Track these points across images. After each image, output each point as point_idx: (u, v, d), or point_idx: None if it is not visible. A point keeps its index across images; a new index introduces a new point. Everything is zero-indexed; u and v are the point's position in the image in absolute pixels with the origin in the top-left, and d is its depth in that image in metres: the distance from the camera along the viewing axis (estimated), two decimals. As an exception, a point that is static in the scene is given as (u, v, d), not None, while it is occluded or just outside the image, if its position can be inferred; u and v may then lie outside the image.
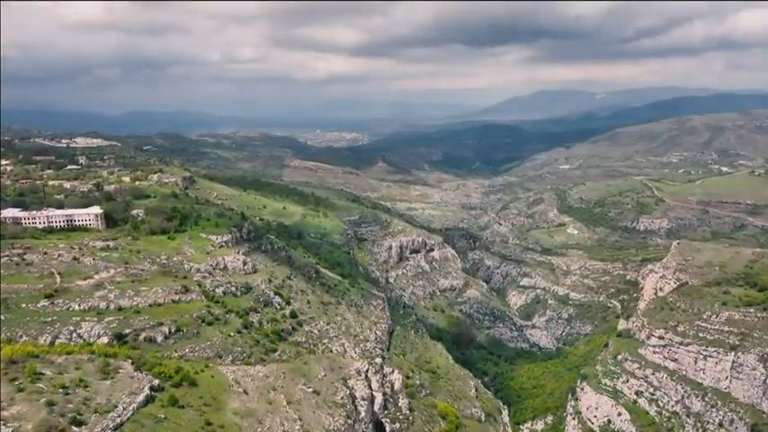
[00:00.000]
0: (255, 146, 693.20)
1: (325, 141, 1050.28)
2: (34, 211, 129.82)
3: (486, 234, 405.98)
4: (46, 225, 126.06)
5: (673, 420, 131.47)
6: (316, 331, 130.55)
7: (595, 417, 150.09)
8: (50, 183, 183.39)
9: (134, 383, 66.00)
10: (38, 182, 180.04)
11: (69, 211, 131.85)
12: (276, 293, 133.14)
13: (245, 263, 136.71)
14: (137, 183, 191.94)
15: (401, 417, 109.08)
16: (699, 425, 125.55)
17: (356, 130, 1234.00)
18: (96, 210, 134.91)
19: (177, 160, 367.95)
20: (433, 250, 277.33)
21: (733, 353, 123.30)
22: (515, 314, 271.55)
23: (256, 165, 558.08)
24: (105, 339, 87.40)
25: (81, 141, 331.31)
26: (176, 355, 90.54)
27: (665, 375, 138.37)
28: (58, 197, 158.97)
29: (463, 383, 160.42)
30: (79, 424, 54.37)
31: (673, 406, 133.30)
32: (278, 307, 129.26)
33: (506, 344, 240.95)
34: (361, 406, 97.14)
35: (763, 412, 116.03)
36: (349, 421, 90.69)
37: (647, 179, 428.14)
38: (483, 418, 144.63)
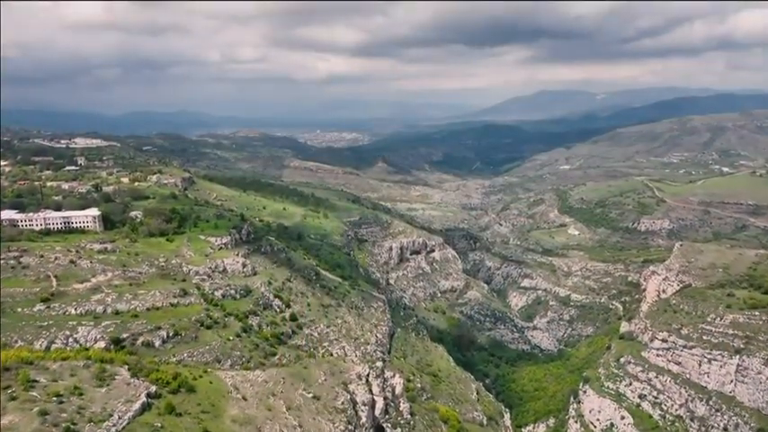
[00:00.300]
0: (255, 146, 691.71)
1: (326, 141, 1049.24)
2: (31, 213, 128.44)
3: (486, 235, 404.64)
4: (43, 227, 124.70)
5: (677, 424, 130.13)
6: (316, 334, 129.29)
7: (598, 420, 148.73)
8: (49, 184, 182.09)
9: (130, 390, 64.59)
10: (36, 183, 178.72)
11: (67, 213, 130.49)
12: (276, 296, 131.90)
13: (244, 265, 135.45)
14: (136, 184, 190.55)
15: (402, 421, 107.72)
16: (703, 429, 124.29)
17: (356, 131, 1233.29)
18: (94, 211, 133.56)
19: (177, 161, 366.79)
20: (433, 251, 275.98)
21: (738, 356, 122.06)
22: (516, 315, 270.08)
23: (256, 165, 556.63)
24: (102, 344, 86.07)
25: (80, 142, 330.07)
26: (174, 359, 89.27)
27: (669, 378, 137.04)
28: (57, 198, 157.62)
29: (464, 386, 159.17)
30: (73, 434, 52.98)
31: (676, 410, 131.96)
32: (278, 310, 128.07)
33: (507, 345, 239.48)
34: (362, 411, 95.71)
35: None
36: (350, 427, 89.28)
37: (648, 179, 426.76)
38: (485, 422, 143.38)
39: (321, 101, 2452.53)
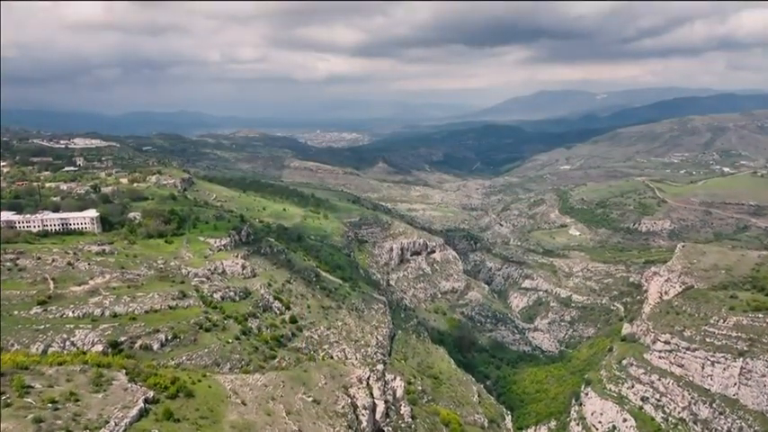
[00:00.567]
0: (255, 146, 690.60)
1: (326, 142, 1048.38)
2: (29, 215, 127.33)
3: (487, 235, 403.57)
4: (41, 228, 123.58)
5: (680, 427, 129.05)
6: (316, 337, 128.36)
7: (600, 422, 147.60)
8: (47, 185, 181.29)
9: (127, 396, 63.50)
10: (34, 184, 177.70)
11: (64, 215, 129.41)
12: (276, 298, 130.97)
13: (243, 267, 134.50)
14: (134, 185, 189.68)
15: (403, 425, 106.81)
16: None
17: (356, 131, 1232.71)
18: (92, 213, 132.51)
19: (176, 161, 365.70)
20: (434, 252, 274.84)
21: (741, 359, 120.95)
22: (517, 317, 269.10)
23: (256, 165, 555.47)
24: (100, 347, 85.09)
25: (80, 142, 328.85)
26: (173, 363, 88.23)
27: (672, 381, 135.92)
28: (55, 199, 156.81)
29: (466, 389, 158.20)
30: (68, 442, 51.95)
31: (679, 412, 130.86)
32: (277, 312, 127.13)
33: (508, 347, 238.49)
34: (363, 415, 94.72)
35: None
36: (350, 431, 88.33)
37: (649, 180, 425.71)
38: (486, 425, 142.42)
39: (321, 101, 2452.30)
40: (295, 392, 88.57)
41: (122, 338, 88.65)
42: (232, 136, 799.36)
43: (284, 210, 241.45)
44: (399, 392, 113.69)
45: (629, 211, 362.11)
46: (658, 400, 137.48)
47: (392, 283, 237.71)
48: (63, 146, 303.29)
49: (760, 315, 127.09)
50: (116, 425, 56.80)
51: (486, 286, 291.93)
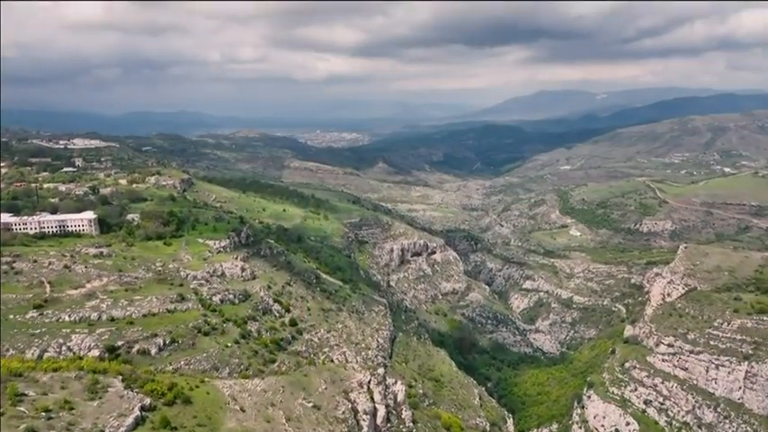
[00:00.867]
0: (255, 146, 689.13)
1: (326, 142, 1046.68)
2: (26, 217, 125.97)
3: (487, 236, 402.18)
4: (38, 231, 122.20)
5: (683, 431, 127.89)
6: (316, 340, 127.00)
7: (602, 426, 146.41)
8: (46, 186, 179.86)
9: (123, 404, 62.22)
10: (32, 185, 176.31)
11: (62, 217, 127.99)
12: (275, 300, 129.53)
13: (243, 269, 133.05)
14: (134, 185, 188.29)
15: (405, 430, 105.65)
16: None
17: (356, 131, 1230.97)
18: (90, 215, 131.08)
19: (176, 161, 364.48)
20: (434, 253, 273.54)
21: (746, 362, 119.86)
22: (518, 318, 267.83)
23: (256, 166, 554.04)
24: (96, 352, 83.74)
25: (79, 142, 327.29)
26: (171, 368, 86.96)
27: (675, 384, 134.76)
28: (53, 201, 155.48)
29: (467, 392, 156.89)
30: (62, 452, 50.64)
31: (683, 416, 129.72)
32: (277, 315, 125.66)
33: (509, 348, 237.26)
34: (364, 420, 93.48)
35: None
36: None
37: (650, 180, 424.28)
38: (488, 428, 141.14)
39: (321, 101, 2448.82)
40: (295, 398, 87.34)
41: (119, 343, 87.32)
42: (232, 136, 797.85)
43: (284, 210, 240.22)
44: (400, 396, 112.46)
45: (629, 211, 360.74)
46: (662, 404, 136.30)
47: (392, 284, 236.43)
48: (62, 146, 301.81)
49: (765, 318, 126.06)
50: (111, 434, 55.51)
51: (486, 287, 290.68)
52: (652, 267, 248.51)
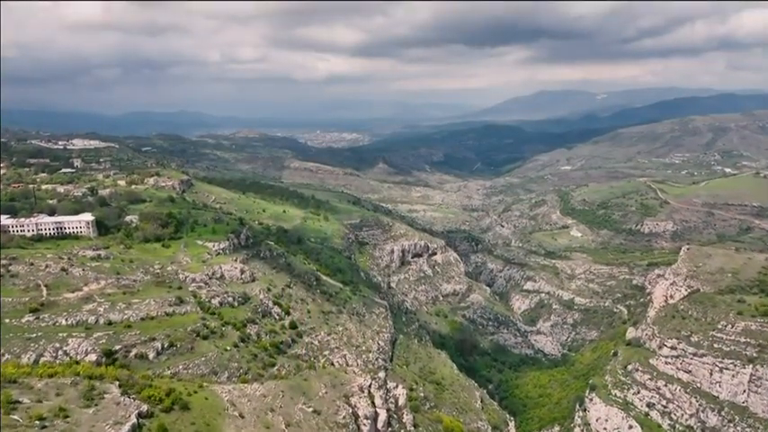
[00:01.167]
0: (255, 147, 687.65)
1: (326, 142, 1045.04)
2: (23, 219, 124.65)
3: (488, 236, 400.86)
4: (35, 233, 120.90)
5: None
6: (316, 343, 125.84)
7: (605, 429, 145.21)
8: (44, 187, 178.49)
9: (120, 411, 60.97)
10: (30, 186, 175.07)
11: (59, 219, 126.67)
12: (275, 303, 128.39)
13: (242, 271, 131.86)
14: (132, 186, 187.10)
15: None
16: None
17: (357, 131, 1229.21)
18: (87, 217, 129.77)
19: (176, 162, 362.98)
20: (435, 254, 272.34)
21: (751, 365, 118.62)
22: (519, 319, 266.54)
23: (256, 166, 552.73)
24: (93, 357, 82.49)
25: (78, 143, 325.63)
26: (169, 372, 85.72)
27: (679, 387, 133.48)
28: (51, 202, 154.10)
29: (468, 394, 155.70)
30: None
31: (687, 419, 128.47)
32: (277, 317, 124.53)
33: (511, 350, 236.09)
34: (365, 425, 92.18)
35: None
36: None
37: (651, 181, 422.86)
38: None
39: (321, 101, 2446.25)
40: (295, 403, 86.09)
41: (117, 347, 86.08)
42: (232, 136, 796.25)
43: (284, 211, 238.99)
44: (402, 400, 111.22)
45: (630, 212, 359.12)
46: (665, 407, 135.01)
47: (393, 285, 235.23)
48: (61, 147, 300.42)
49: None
50: (107, 443, 54.30)
51: (487, 288, 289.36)
52: (654, 269, 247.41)
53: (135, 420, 60.15)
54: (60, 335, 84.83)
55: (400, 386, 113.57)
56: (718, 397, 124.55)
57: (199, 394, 75.14)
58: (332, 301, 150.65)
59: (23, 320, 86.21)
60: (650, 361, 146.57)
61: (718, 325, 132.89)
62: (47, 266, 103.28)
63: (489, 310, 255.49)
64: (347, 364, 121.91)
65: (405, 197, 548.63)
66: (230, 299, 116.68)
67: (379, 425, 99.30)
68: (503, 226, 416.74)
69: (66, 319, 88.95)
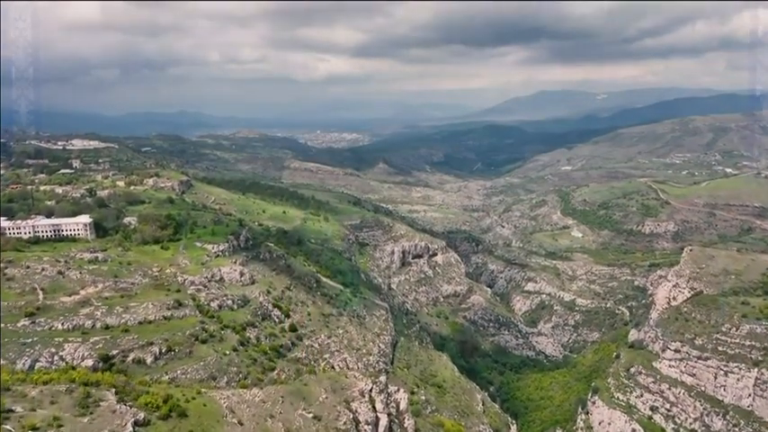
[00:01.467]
0: (255, 147, 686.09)
1: (326, 142, 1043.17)
2: (19, 221, 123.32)
3: (488, 237, 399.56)
4: (32, 235, 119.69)
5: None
6: (316, 345, 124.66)
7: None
8: (42, 188, 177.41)
9: (115, 419, 59.64)
10: (28, 187, 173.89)
11: (56, 221, 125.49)
12: (275, 306, 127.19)
13: (242, 274, 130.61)
14: (131, 188, 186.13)
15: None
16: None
17: (357, 131, 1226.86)
18: (85, 219, 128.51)
19: (175, 162, 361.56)
20: (435, 255, 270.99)
21: (756, 369, 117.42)
22: (520, 320, 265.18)
23: (256, 166, 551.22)
24: (90, 362, 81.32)
25: (78, 143, 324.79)
26: (167, 377, 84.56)
27: (683, 391, 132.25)
28: (49, 203, 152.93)
29: (470, 397, 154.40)
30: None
31: (691, 423, 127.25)
32: (277, 320, 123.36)
33: (512, 352, 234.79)
34: (365, 431, 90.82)
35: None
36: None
37: (652, 181, 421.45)
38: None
39: (321, 101, 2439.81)
40: (294, 408, 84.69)
41: (114, 352, 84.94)
42: (232, 136, 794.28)
43: (284, 212, 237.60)
44: (403, 404, 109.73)
45: (631, 212, 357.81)
46: (668, 410, 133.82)
47: (393, 286, 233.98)
48: (61, 147, 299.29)
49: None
50: (102, 453, 52.96)
51: (488, 289, 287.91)
52: (656, 270, 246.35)
53: (131, 429, 58.90)
54: (56, 339, 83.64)
55: (401, 390, 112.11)
56: (722, 401, 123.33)
57: (197, 400, 73.72)
58: (332, 304, 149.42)
59: (19, 325, 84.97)
60: (653, 364, 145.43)
61: (722, 327, 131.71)
62: (43, 270, 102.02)
63: (490, 311, 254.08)
64: (348, 368, 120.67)
65: (405, 197, 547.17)
66: (229, 302, 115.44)
67: (380, 430, 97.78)
68: (503, 226, 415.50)
69: (63, 324, 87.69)
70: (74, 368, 76.93)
